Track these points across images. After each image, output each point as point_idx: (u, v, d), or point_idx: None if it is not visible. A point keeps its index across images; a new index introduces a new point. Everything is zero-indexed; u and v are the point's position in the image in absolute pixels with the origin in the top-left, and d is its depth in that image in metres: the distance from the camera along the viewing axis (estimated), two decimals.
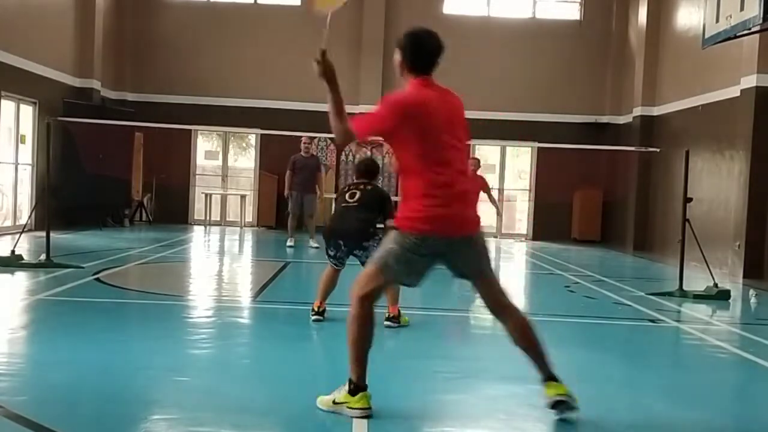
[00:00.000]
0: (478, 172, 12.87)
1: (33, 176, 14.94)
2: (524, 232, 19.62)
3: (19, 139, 14.63)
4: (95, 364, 5.01)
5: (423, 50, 4.14)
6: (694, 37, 13.40)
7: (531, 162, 19.48)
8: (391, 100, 4.07)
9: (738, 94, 12.48)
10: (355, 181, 6.91)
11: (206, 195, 18.38)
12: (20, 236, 10.15)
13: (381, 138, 4.29)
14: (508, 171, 19.89)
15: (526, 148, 19.46)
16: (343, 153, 18.76)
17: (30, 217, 12.53)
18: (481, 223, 4.19)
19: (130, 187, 17.82)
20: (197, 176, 19.45)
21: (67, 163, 15.31)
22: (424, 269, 4.14)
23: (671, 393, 5.09)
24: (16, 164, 14.62)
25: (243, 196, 18.80)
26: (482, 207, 12.98)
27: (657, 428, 4.27)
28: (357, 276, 4.17)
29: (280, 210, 17.37)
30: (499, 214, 13.23)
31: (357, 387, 4.03)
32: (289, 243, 13.69)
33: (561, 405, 4.08)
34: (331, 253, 6.59)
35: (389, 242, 4.08)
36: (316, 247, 12.81)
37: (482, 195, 12.72)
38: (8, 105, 14.11)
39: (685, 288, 9.28)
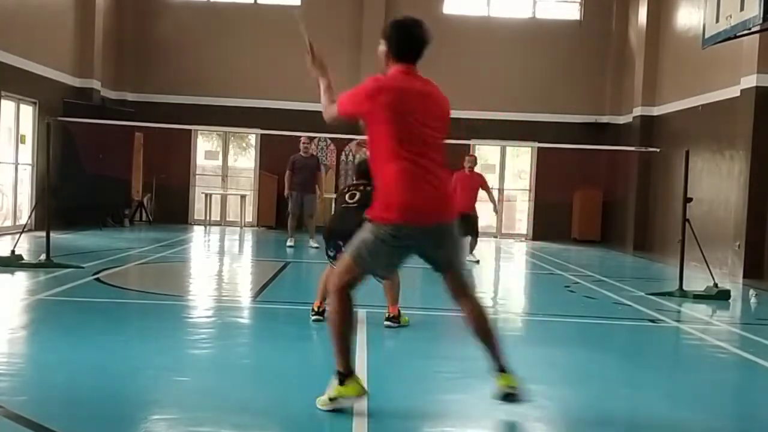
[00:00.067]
0: (476, 170, 12.92)
1: (33, 176, 14.95)
2: (524, 232, 19.62)
3: (19, 139, 14.64)
4: (95, 364, 5.01)
5: (409, 38, 4.13)
6: (694, 37, 13.40)
7: (531, 162, 19.48)
8: (370, 82, 4.08)
9: (738, 94, 12.48)
10: (354, 182, 6.91)
11: (206, 195, 18.39)
12: (20, 236, 10.15)
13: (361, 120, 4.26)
14: (508, 171, 19.89)
15: (526, 148, 19.46)
16: (343, 153, 18.76)
17: (30, 217, 12.54)
18: (455, 215, 4.22)
19: (130, 187, 17.82)
20: (197, 176, 19.46)
21: (67, 163, 15.32)
22: (397, 260, 4.19)
23: (671, 393, 5.09)
24: (16, 164, 14.62)
25: (243, 196, 18.81)
26: (482, 207, 13.14)
27: (657, 428, 4.27)
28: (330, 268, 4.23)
29: (280, 210, 17.38)
30: (496, 210, 13.23)
31: (344, 375, 4.07)
32: (289, 243, 13.69)
33: (510, 397, 4.12)
34: (331, 254, 6.58)
35: (364, 233, 4.09)
36: (316, 247, 12.81)
37: (482, 195, 12.80)
38: (8, 105, 14.11)
39: (685, 288, 9.28)
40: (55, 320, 6.60)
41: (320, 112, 4.35)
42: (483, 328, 4.21)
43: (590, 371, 5.53)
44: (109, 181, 16.36)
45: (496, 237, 19.07)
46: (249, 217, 19.06)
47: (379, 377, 4.89)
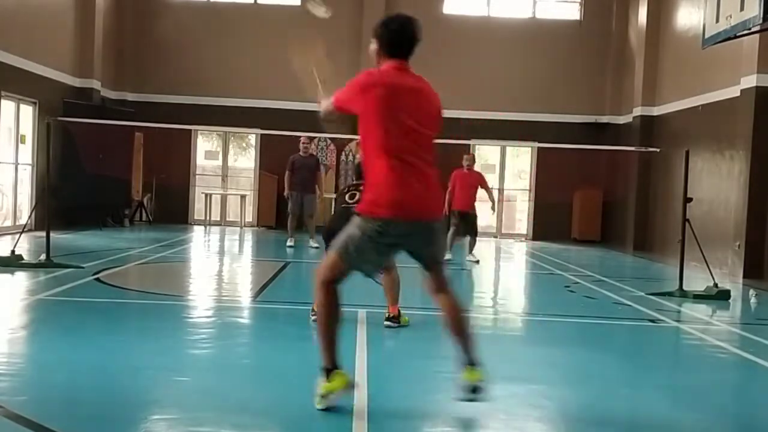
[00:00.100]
0: (475, 168, 12.92)
1: (33, 176, 14.95)
2: (524, 232, 19.62)
3: (19, 139, 14.64)
4: (95, 364, 5.01)
5: (400, 34, 4.14)
6: (694, 37, 13.40)
7: (531, 162, 19.48)
8: (363, 76, 4.09)
9: (738, 94, 12.48)
10: (354, 182, 6.91)
11: (206, 195, 18.39)
12: (20, 236, 10.15)
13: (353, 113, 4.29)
14: (508, 171, 19.89)
15: (526, 148, 19.45)
16: (343, 153, 18.75)
17: (30, 217, 12.53)
18: (442, 213, 4.28)
19: (130, 187, 17.82)
20: (197, 176, 19.45)
21: (67, 163, 15.32)
22: (383, 257, 4.23)
23: (671, 393, 5.09)
24: (16, 164, 14.62)
25: (243, 196, 18.81)
26: (480, 207, 13.12)
27: (657, 428, 4.27)
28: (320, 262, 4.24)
29: (280, 210, 17.37)
30: (493, 208, 13.19)
31: (330, 370, 4.09)
32: (289, 243, 13.69)
33: (475, 390, 4.12)
34: None
35: (352, 228, 4.10)
36: (316, 247, 12.81)
37: (482, 194, 12.79)
38: (8, 105, 14.11)
39: (685, 288, 9.28)
40: (55, 320, 6.60)
41: (320, 112, 4.37)
42: (459, 323, 4.26)
43: (590, 371, 5.53)
44: (109, 181, 16.36)
45: (496, 237, 19.07)
46: (249, 217, 19.06)
47: (379, 377, 4.89)
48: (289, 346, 5.93)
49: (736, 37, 10.07)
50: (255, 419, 4.04)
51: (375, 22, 4.29)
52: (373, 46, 4.20)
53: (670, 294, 9.30)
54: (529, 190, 19.48)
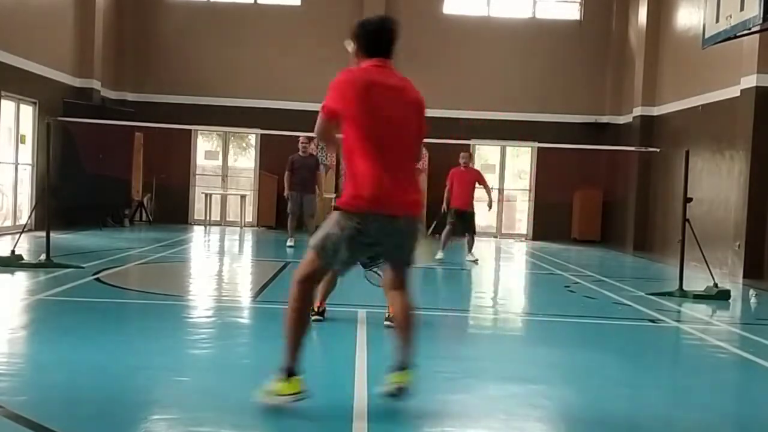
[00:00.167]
0: (471, 165, 12.93)
1: (33, 176, 14.94)
2: (524, 232, 19.62)
3: (19, 139, 14.64)
4: (95, 364, 5.01)
5: (376, 33, 4.17)
6: (694, 37, 13.40)
7: (531, 162, 19.48)
8: (342, 74, 4.07)
9: (738, 94, 12.48)
10: None
11: (206, 195, 18.39)
12: (20, 236, 10.15)
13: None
14: (508, 171, 19.89)
15: (526, 148, 19.46)
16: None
17: (30, 217, 12.53)
18: (420, 212, 4.27)
19: (130, 187, 17.82)
20: (197, 176, 19.46)
21: (67, 163, 15.31)
22: (359, 254, 4.18)
23: (671, 393, 5.09)
24: (16, 164, 14.62)
25: (243, 196, 18.81)
26: (478, 206, 13.12)
27: (657, 428, 4.27)
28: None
29: (280, 210, 17.36)
30: (490, 205, 13.15)
31: (291, 373, 4.04)
32: (289, 243, 13.69)
33: (399, 392, 4.11)
34: None
35: (329, 224, 4.08)
36: None
37: (480, 195, 12.79)
38: (8, 105, 14.11)
39: (685, 288, 9.28)
40: (55, 320, 6.59)
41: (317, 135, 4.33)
42: (407, 323, 4.24)
43: (590, 371, 5.52)
44: (109, 181, 16.35)
45: (496, 237, 19.08)
46: (249, 217, 19.07)
47: (379, 377, 4.88)
48: None
49: (736, 37, 10.08)
50: (255, 419, 4.04)
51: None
52: (352, 47, 4.21)
53: (670, 294, 9.30)
54: (529, 190, 19.49)
